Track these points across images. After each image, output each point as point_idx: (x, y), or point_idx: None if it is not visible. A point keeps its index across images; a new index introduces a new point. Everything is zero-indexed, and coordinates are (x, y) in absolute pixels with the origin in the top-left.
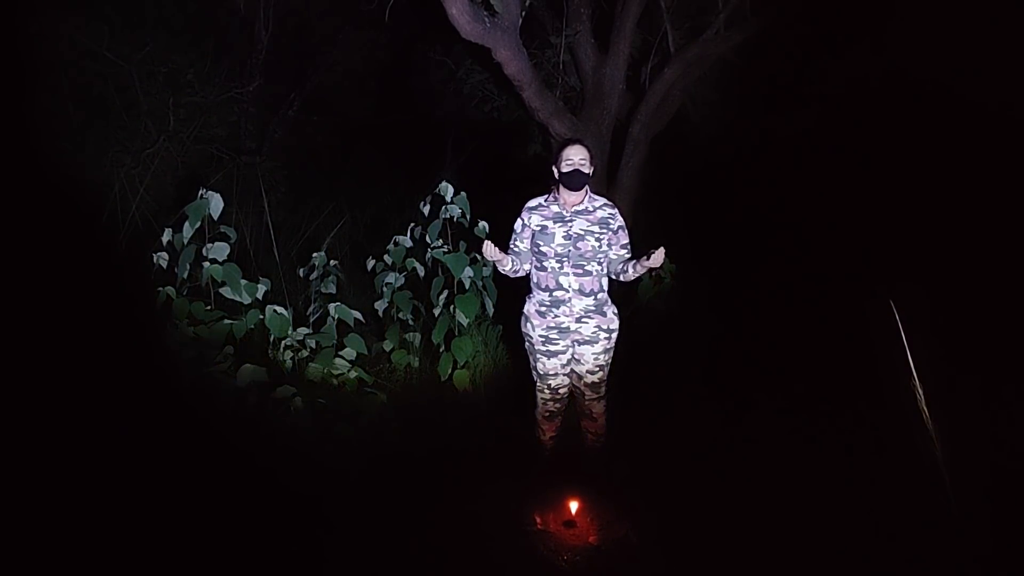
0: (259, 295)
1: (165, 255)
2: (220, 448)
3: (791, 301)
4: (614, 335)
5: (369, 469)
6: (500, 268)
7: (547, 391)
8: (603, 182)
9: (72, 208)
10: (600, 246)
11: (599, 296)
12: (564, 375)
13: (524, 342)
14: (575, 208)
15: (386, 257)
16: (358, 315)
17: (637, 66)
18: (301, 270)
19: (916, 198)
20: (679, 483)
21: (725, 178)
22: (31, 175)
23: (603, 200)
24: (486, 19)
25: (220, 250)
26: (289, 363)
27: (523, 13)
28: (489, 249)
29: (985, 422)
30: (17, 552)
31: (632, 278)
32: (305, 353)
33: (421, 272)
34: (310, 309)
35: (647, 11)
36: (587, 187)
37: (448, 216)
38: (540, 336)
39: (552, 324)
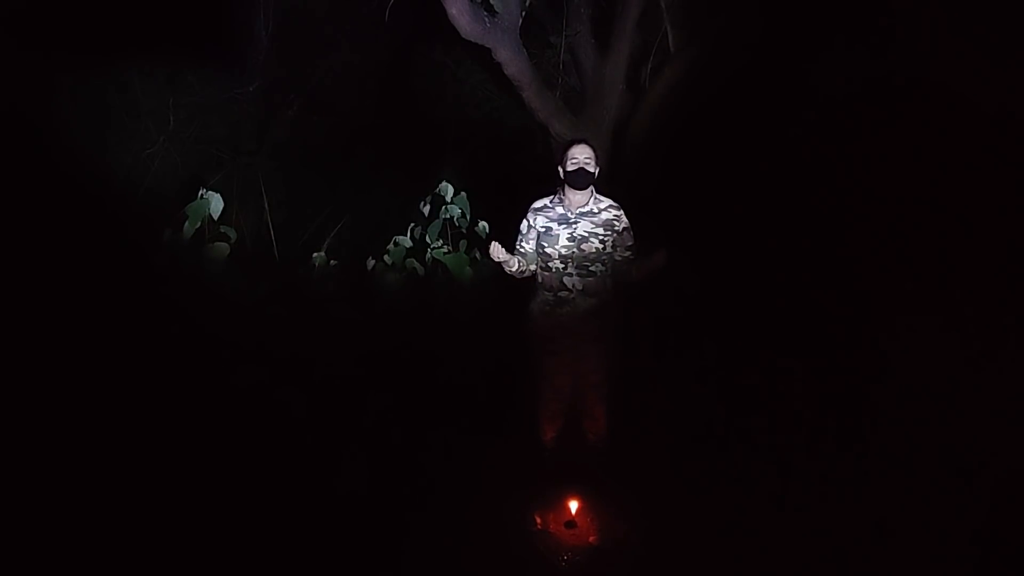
0: None
1: (165, 255)
2: (218, 442)
3: (792, 301)
4: (618, 336)
5: (368, 467)
6: (506, 269)
7: (550, 391)
8: (604, 182)
9: (73, 208)
10: (604, 248)
11: (603, 297)
12: (567, 375)
13: (527, 341)
14: (580, 209)
15: (386, 257)
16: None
17: (637, 66)
18: (301, 270)
19: (917, 200)
20: (679, 483)
21: (725, 178)
22: (32, 176)
23: (609, 201)
24: (486, 19)
25: (220, 250)
26: None
27: (523, 13)
28: (495, 250)
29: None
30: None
31: (636, 279)
32: None
33: (421, 272)
34: None
35: (647, 11)
36: (592, 187)
37: (448, 216)
38: (544, 336)
39: (556, 324)
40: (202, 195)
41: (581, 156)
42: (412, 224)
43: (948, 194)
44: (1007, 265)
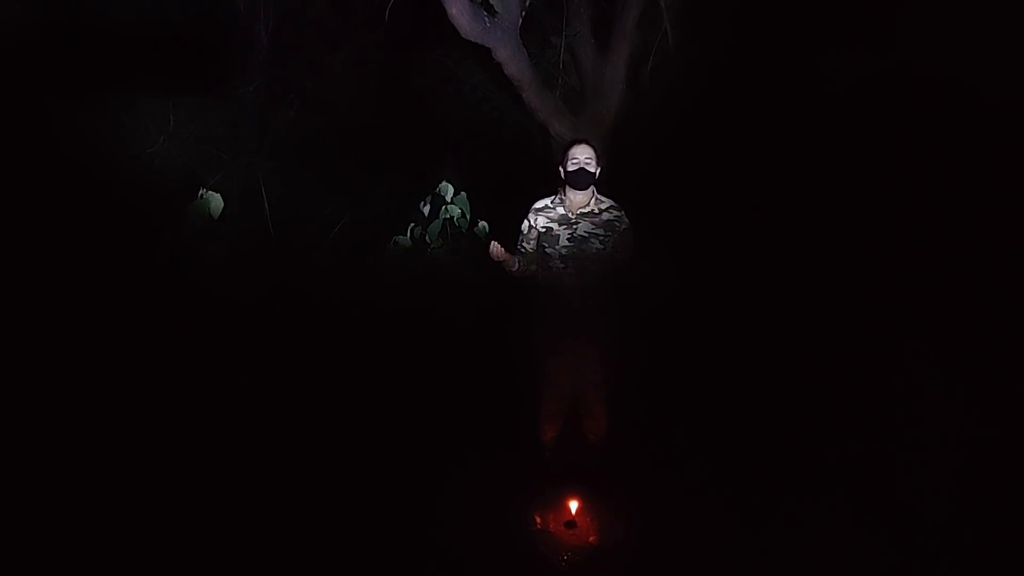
0: None
1: (166, 255)
2: (218, 441)
3: (792, 301)
4: (617, 336)
5: (370, 470)
6: (506, 269)
7: (550, 391)
8: (604, 183)
9: (72, 209)
10: (605, 249)
11: (603, 297)
12: (567, 375)
13: (527, 341)
14: (581, 210)
15: (386, 257)
16: None
17: (637, 66)
18: (301, 270)
19: (915, 198)
20: (679, 484)
21: (725, 177)
22: (32, 177)
23: (610, 202)
24: (486, 19)
25: (220, 250)
26: None
27: (523, 13)
28: (495, 250)
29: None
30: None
31: (635, 280)
32: None
33: (421, 271)
34: None
35: (647, 11)
36: (594, 188)
37: (448, 216)
38: (544, 335)
39: (556, 324)
40: (202, 195)
41: (582, 156)
42: (412, 224)
43: (947, 193)
44: (1009, 263)
